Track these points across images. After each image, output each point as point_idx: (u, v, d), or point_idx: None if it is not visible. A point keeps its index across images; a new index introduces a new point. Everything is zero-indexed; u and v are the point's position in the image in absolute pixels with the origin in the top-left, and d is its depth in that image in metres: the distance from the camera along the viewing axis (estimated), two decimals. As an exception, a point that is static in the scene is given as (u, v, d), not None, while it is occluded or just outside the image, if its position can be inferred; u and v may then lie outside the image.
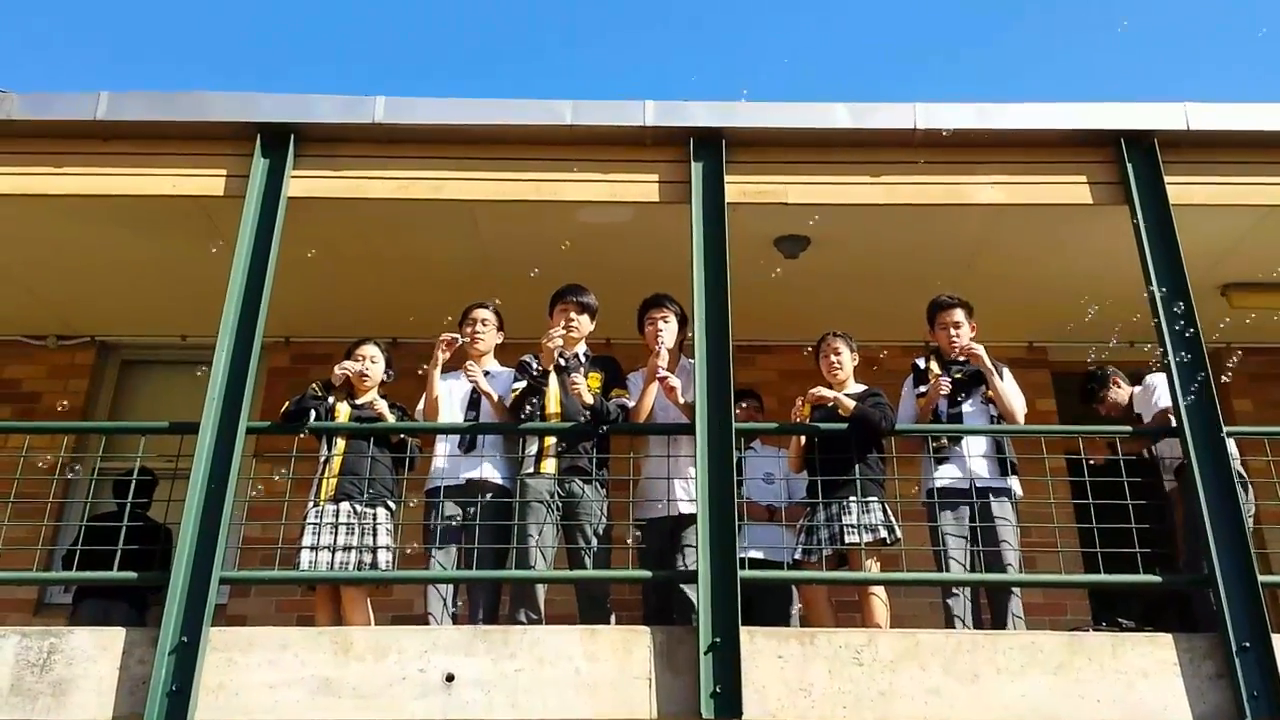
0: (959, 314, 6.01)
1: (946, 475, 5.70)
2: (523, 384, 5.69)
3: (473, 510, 5.51)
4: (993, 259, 6.69)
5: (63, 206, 6.12)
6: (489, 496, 5.57)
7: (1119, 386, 6.47)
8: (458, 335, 5.81)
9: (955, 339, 5.95)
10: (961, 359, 5.91)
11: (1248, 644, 4.71)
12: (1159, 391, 5.99)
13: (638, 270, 5.99)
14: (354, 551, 5.38)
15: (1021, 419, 5.84)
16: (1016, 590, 5.63)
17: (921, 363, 6.08)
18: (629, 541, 5.34)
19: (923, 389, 5.95)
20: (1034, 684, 4.68)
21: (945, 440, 5.74)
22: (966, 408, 5.88)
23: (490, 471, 5.67)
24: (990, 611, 5.67)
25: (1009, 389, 5.86)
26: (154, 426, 5.54)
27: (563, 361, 5.76)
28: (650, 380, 5.66)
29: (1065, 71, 22.19)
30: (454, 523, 5.60)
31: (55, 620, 6.63)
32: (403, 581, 5.81)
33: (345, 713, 4.60)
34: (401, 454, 5.67)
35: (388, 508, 5.57)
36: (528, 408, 5.67)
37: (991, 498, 5.61)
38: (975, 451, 5.72)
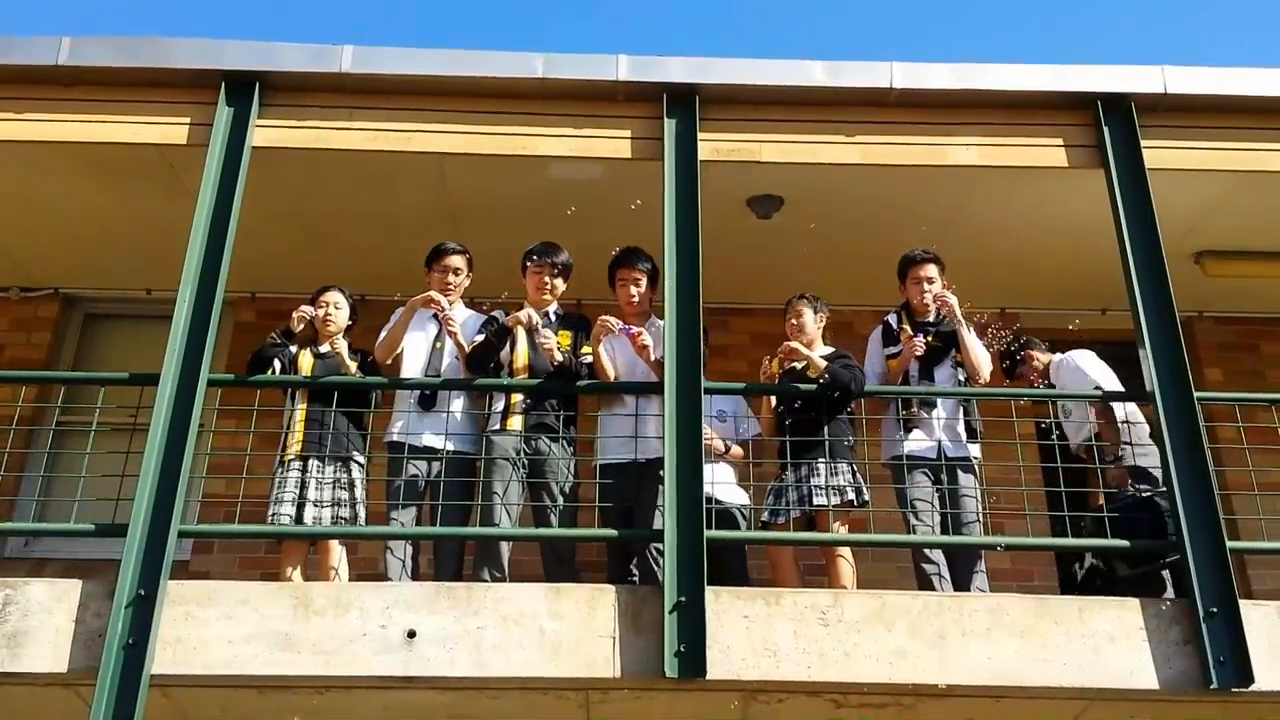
0: (931, 269, 5.96)
1: (914, 443, 5.68)
2: (481, 337, 5.62)
3: (436, 470, 5.45)
4: (967, 222, 6.65)
5: (23, 154, 6.02)
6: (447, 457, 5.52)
7: (1034, 358, 6.35)
8: (441, 298, 5.71)
9: (927, 294, 5.90)
10: (933, 321, 5.87)
11: (1215, 610, 4.71)
12: (1069, 373, 5.99)
13: (609, 227, 5.92)
14: (328, 507, 5.33)
15: (986, 375, 5.81)
16: (982, 567, 5.62)
17: (894, 320, 6.04)
18: (595, 498, 5.28)
19: (892, 350, 5.91)
20: (1000, 646, 4.67)
21: (915, 407, 5.70)
22: (938, 375, 5.84)
23: (454, 441, 5.55)
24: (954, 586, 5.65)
25: (976, 346, 5.83)
26: (114, 377, 5.46)
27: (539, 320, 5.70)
28: (597, 342, 5.60)
29: (1044, 32, 22.11)
30: (418, 484, 5.53)
31: (16, 574, 6.55)
32: (365, 537, 5.75)
33: (305, 668, 4.55)
34: (366, 407, 5.60)
35: (358, 463, 5.52)
36: (496, 363, 5.61)
37: (959, 468, 5.59)
38: (944, 424, 5.68)
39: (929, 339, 5.81)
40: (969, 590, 5.51)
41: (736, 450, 5.80)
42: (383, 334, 5.75)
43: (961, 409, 5.76)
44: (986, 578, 5.62)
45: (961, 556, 5.62)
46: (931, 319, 5.93)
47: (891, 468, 5.71)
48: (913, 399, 5.73)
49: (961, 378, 5.82)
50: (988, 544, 5.55)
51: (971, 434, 5.71)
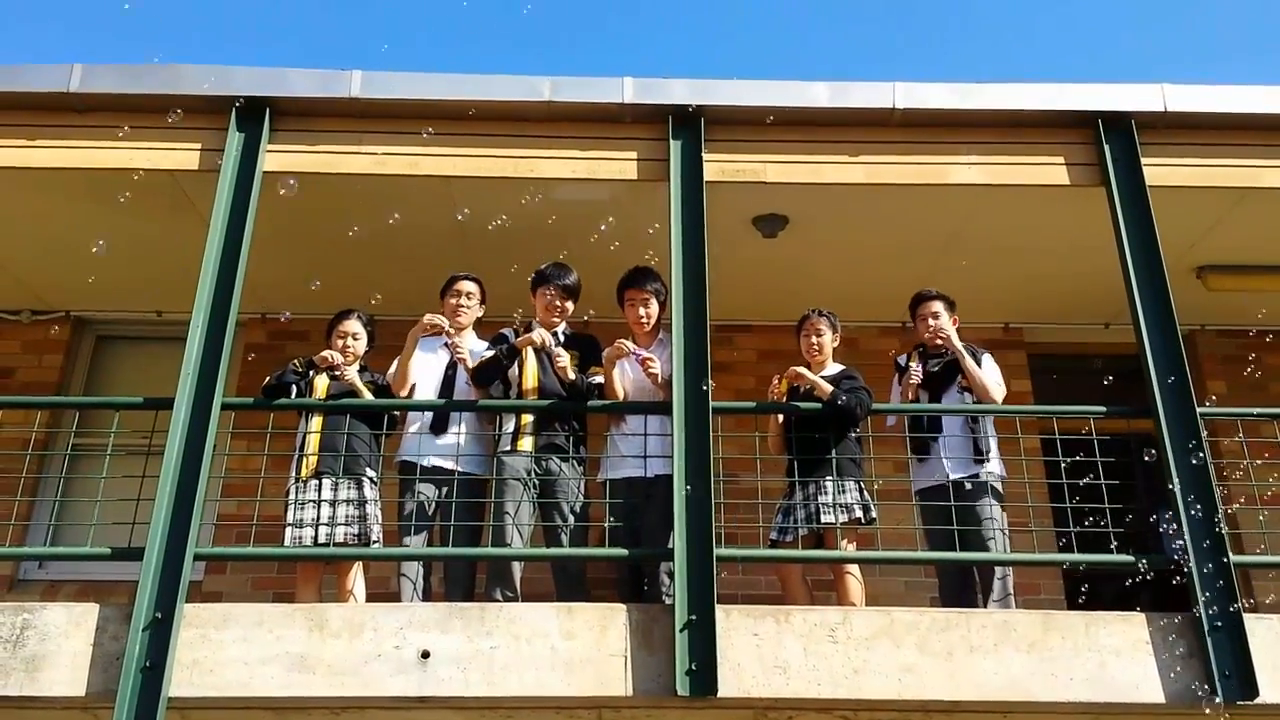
0: (937, 305, 6.05)
1: (925, 478, 5.76)
2: (491, 352, 5.69)
3: (447, 493, 5.50)
4: (970, 240, 6.70)
5: (36, 180, 6.08)
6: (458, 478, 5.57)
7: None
8: (443, 319, 5.79)
9: (931, 329, 5.99)
10: (938, 353, 5.94)
11: (1219, 624, 4.75)
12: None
13: (616, 248, 5.97)
14: (341, 526, 5.38)
15: (999, 399, 5.85)
16: (999, 593, 5.62)
17: (903, 360, 6.11)
18: (605, 517, 5.32)
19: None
20: (1007, 662, 4.71)
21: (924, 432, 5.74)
22: (945, 401, 5.91)
23: (464, 464, 5.63)
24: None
25: (985, 373, 5.87)
26: (128, 402, 5.50)
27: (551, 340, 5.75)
28: (611, 364, 5.66)
29: (1044, 50, 22.18)
30: (428, 506, 5.58)
31: (30, 597, 6.61)
32: (379, 558, 5.79)
33: (320, 689, 4.60)
34: (379, 428, 5.66)
35: (373, 481, 5.58)
36: (505, 383, 5.69)
37: (966, 490, 5.61)
38: (951, 449, 5.73)
39: (933, 369, 5.90)
40: (992, 582, 5.55)
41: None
42: (393, 367, 5.81)
43: (970, 429, 5.79)
44: (1009, 599, 5.62)
45: (979, 576, 5.66)
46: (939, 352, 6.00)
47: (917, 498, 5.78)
48: (921, 427, 5.77)
49: (970, 400, 5.85)
50: (989, 560, 5.56)
51: (979, 453, 5.74)
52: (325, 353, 5.74)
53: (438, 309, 5.96)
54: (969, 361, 5.84)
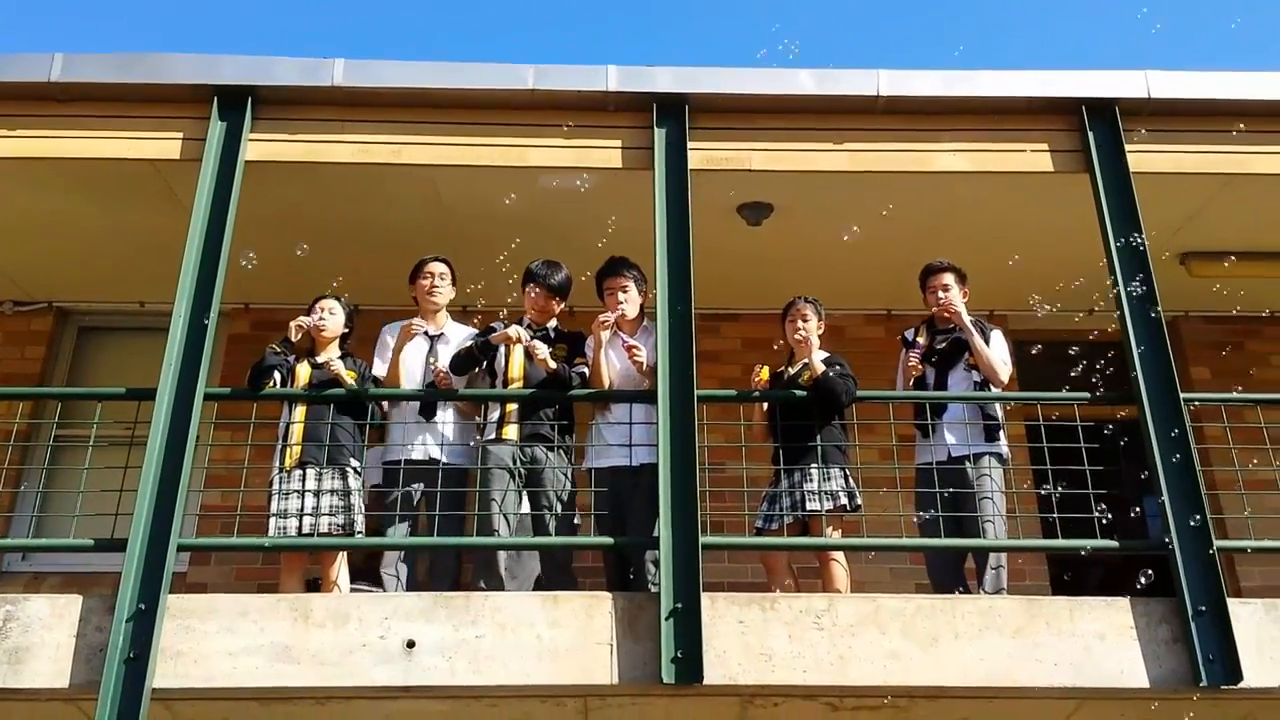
0: (948, 278, 5.99)
1: (927, 455, 5.74)
2: (474, 341, 5.69)
3: (431, 483, 5.47)
4: (954, 227, 6.70)
5: (16, 169, 6.04)
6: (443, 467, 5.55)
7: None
8: (429, 326, 5.80)
9: (941, 301, 5.94)
10: (947, 327, 5.92)
11: (1203, 608, 4.77)
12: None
13: (600, 236, 5.96)
14: (325, 516, 5.36)
15: (1005, 378, 5.84)
16: (994, 563, 5.62)
17: (911, 334, 6.09)
18: (590, 505, 5.32)
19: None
20: (992, 647, 4.73)
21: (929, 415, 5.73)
22: (951, 379, 5.88)
23: (449, 455, 5.63)
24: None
25: (992, 350, 5.83)
26: (111, 392, 5.49)
27: (529, 334, 5.73)
28: (599, 345, 5.64)
29: (1028, 38, 22.18)
30: (414, 495, 5.56)
31: (13, 589, 6.57)
32: (364, 548, 5.78)
33: (305, 680, 4.59)
34: (363, 418, 5.64)
35: (356, 471, 5.56)
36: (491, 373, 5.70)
37: (967, 469, 5.62)
38: (954, 426, 5.72)
39: (940, 346, 5.87)
40: (985, 568, 5.55)
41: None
42: (384, 370, 5.81)
43: (977, 410, 5.76)
44: (1002, 570, 5.61)
45: (975, 558, 5.67)
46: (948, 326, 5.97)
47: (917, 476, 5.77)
48: (925, 408, 5.75)
49: (977, 379, 5.81)
50: (972, 546, 5.57)
51: (989, 434, 5.73)
52: (297, 320, 5.70)
53: (411, 301, 5.95)
54: (977, 339, 5.78)
